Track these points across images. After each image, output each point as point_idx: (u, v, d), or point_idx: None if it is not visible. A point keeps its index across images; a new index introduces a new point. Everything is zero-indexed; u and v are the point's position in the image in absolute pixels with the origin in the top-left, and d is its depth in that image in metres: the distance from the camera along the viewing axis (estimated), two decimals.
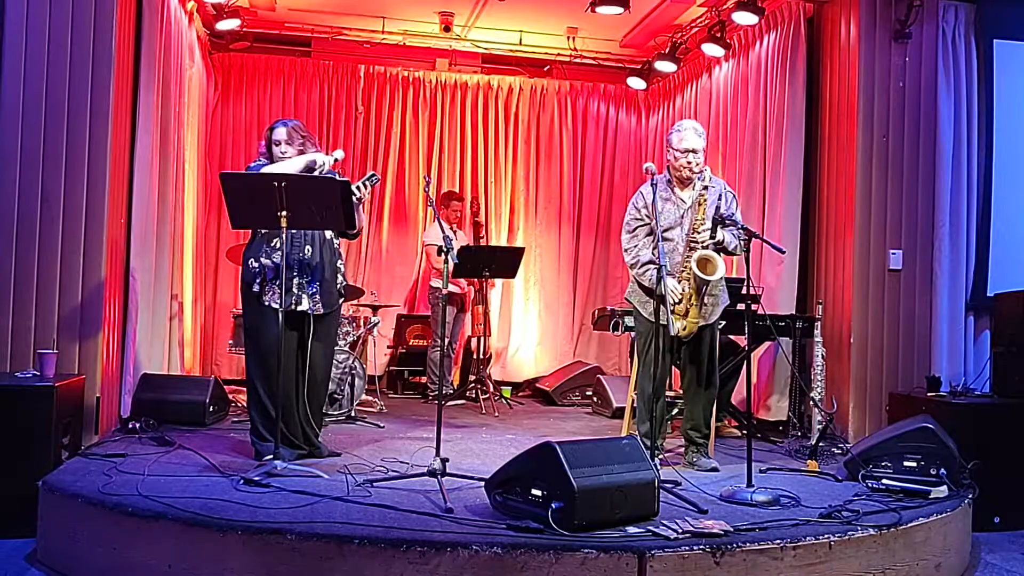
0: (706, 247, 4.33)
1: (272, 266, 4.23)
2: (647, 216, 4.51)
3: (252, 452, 4.36)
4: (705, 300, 4.39)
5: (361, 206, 4.48)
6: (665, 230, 4.43)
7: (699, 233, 4.34)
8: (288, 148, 4.35)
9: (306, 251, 4.32)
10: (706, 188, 4.37)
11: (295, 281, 4.29)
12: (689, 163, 4.43)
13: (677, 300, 4.32)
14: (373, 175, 4.40)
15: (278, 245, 4.23)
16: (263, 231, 4.30)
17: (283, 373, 4.14)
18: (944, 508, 3.71)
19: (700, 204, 4.37)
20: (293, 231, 4.25)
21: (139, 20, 5.10)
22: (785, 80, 6.14)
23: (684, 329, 4.20)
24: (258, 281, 4.26)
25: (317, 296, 4.34)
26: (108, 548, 3.24)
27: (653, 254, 4.50)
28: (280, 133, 4.36)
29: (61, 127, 4.55)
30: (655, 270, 4.46)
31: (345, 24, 7.79)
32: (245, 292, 4.34)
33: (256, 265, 4.27)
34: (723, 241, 4.33)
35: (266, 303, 4.23)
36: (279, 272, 4.13)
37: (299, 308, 4.30)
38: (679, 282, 4.37)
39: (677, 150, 4.45)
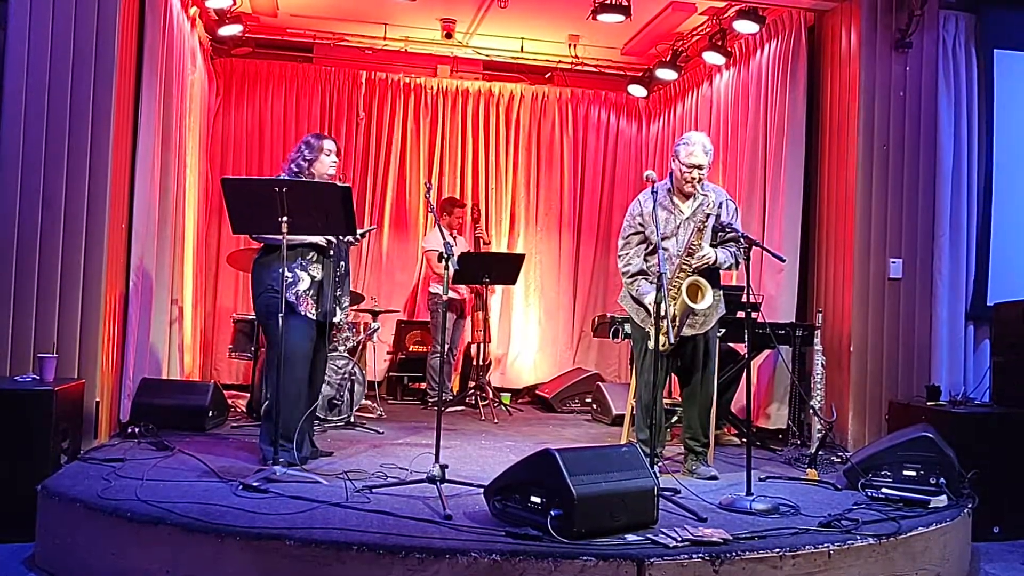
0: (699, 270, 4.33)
1: (310, 279, 4.30)
2: (641, 225, 4.51)
3: (250, 457, 4.36)
4: (696, 313, 4.38)
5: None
6: (661, 239, 4.42)
7: (693, 257, 4.34)
8: (337, 160, 4.54)
9: (340, 265, 4.46)
10: (708, 216, 4.34)
11: (330, 294, 4.40)
12: (694, 178, 4.43)
13: (662, 316, 4.29)
14: (373, 227, 4.58)
15: (315, 258, 4.32)
16: (297, 242, 4.25)
17: (317, 380, 4.38)
18: (943, 518, 3.71)
19: (700, 230, 4.36)
20: (334, 246, 4.40)
21: (141, 25, 5.11)
22: (786, 89, 6.15)
23: (663, 346, 4.19)
24: (292, 291, 4.24)
25: (346, 307, 4.58)
26: (106, 553, 3.24)
27: (645, 263, 4.51)
28: (332, 145, 4.52)
29: (63, 132, 4.56)
30: (643, 282, 4.48)
31: (347, 30, 7.80)
32: (272, 298, 4.21)
33: (291, 276, 4.24)
34: (716, 261, 4.36)
35: (302, 313, 4.26)
36: (316, 284, 4.31)
37: (334, 319, 4.45)
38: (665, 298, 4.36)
39: (684, 164, 4.43)
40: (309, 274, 4.31)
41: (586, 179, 8.70)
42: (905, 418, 4.85)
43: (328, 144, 4.49)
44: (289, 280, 4.22)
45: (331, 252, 4.38)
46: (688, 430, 4.64)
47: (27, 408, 3.88)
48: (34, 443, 3.87)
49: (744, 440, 4.78)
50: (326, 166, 4.45)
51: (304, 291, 4.28)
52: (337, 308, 4.46)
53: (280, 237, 3.99)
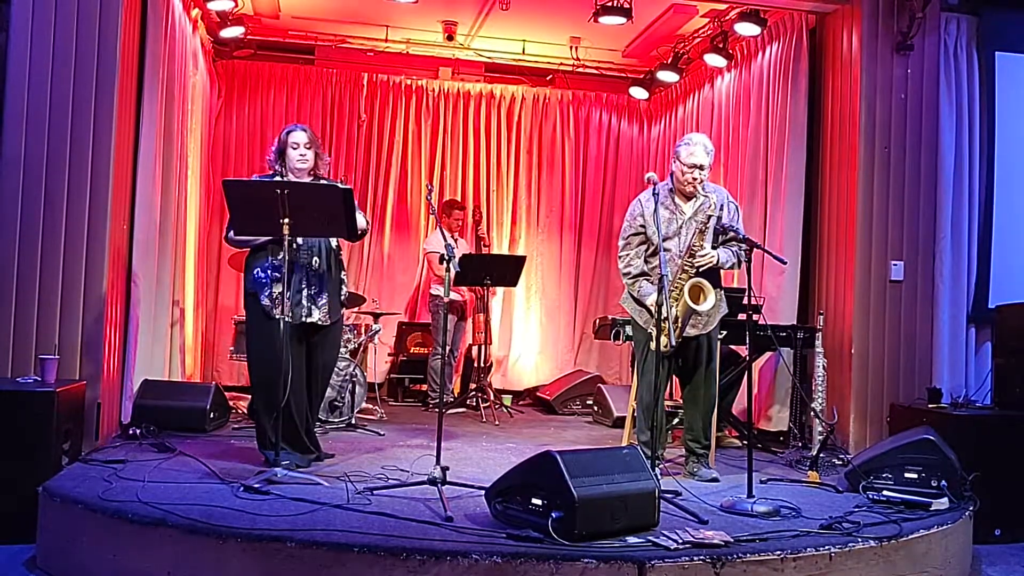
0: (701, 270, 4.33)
1: (280, 278, 4.16)
2: (642, 226, 4.51)
3: (251, 459, 4.36)
4: (699, 313, 4.38)
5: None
6: (663, 240, 4.42)
7: (695, 258, 4.34)
8: (307, 152, 4.33)
9: (314, 262, 4.30)
10: (709, 218, 4.34)
11: (304, 293, 4.26)
12: (695, 179, 4.42)
13: (664, 317, 4.28)
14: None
15: (284, 257, 4.23)
16: (269, 240, 4.21)
17: (293, 382, 4.13)
18: (945, 520, 3.71)
19: (702, 232, 4.36)
20: (300, 243, 4.25)
21: (143, 27, 5.12)
22: (787, 91, 6.15)
23: (666, 347, 4.19)
24: (266, 293, 4.17)
25: (326, 308, 4.34)
26: (107, 554, 3.24)
27: (647, 264, 4.51)
28: (300, 136, 4.33)
29: (65, 133, 4.57)
30: (644, 283, 4.48)
31: (349, 32, 7.81)
32: (250, 301, 4.30)
33: (263, 275, 4.19)
34: (718, 260, 4.35)
35: (276, 316, 4.12)
36: (288, 283, 4.13)
37: (308, 320, 4.28)
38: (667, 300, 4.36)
39: (685, 164, 4.43)
40: (281, 273, 4.16)
41: (587, 181, 8.70)
42: (906, 420, 4.84)
43: (295, 136, 4.31)
44: (264, 281, 4.18)
45: (293, 246, 4.21)
46: (689, 432, 4.64)
47: (28, 409, 3.88)
48: (35, 444, 3.87)
49: (745, 442, 4.78)
50: (293, 160, 4.30)
51: (278, 293, 4.17)
52: (313, 308, 4.28)
53: (255, 239, 3.99)
